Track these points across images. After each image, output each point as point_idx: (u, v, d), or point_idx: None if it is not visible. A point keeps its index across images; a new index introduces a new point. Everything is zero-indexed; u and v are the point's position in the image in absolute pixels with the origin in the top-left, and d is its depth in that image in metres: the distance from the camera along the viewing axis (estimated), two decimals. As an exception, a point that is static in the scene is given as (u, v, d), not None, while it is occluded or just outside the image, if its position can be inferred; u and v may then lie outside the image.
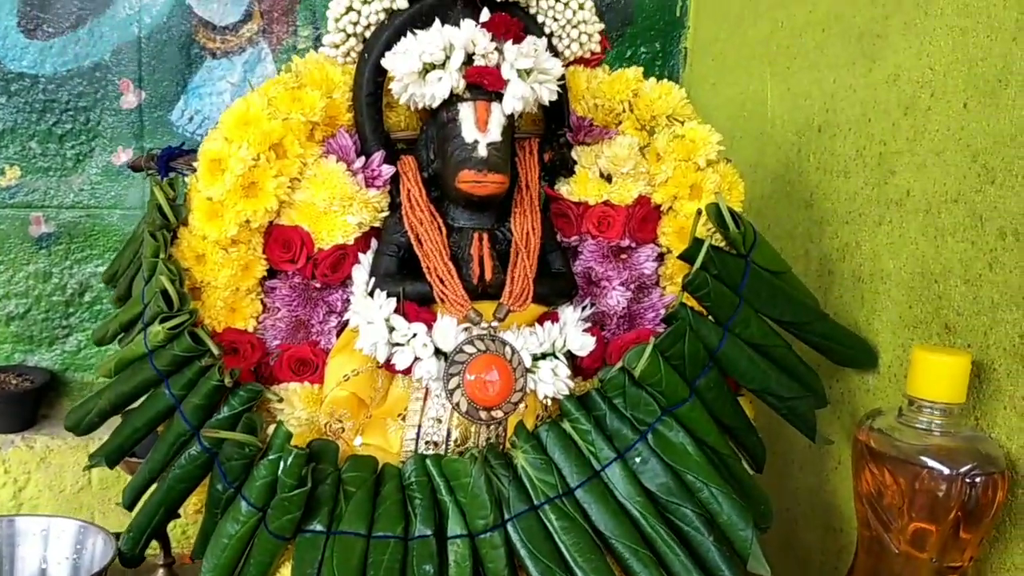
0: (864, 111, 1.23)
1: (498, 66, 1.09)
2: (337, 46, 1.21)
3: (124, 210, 1.77)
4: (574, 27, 1.23)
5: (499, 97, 1.11)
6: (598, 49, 1.27)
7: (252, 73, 1.77)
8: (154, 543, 1.28)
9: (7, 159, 1.72)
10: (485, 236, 1.12)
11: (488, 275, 1.10)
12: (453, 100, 1.11)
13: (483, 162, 1.08)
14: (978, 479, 0.90)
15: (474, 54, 1.09)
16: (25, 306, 1.76)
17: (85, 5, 1.70)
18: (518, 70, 1.09)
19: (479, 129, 1.10)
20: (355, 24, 1.19)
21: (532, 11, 1.20)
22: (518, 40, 1.10)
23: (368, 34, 1.20)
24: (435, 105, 1.11)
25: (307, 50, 1.86)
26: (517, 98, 1.09)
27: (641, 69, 1.27)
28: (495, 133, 1.10)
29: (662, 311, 1.17)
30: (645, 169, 1.22)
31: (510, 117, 1.12)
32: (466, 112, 1.10)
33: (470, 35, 1.07)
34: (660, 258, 1.20)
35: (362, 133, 1.18)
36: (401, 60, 1.09)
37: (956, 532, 0.93)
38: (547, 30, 1.22)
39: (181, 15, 1.73)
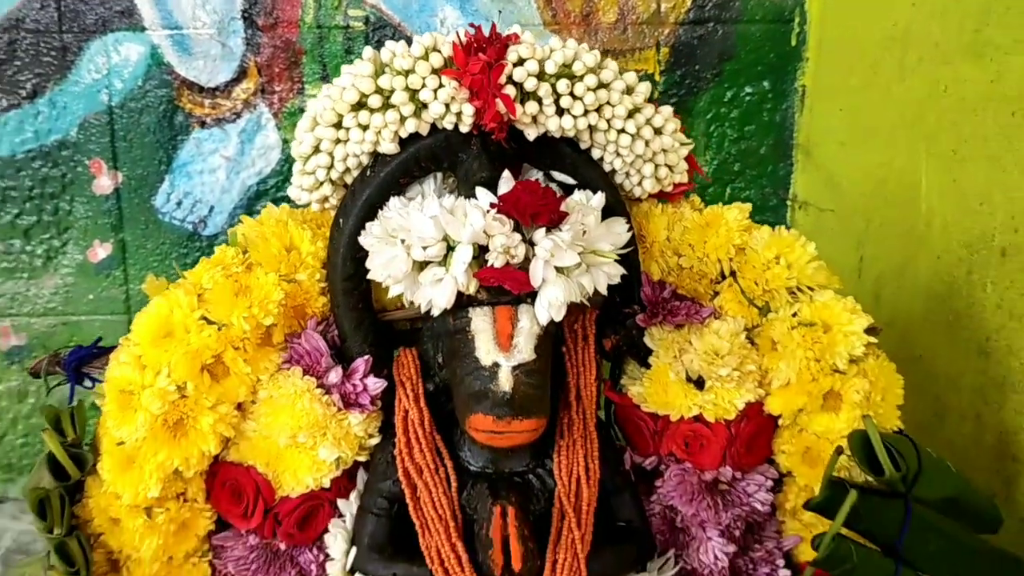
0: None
1: (527, 260, 0.71)
2: (309, 190, 0.85)
3: (105, 316, 1.46)
4: (647, 161, 0.83)
5: (531, 296, 0.73)
6: (684, 179, 0.87)
7: (251, 144, 1.42)
8: None
9: (-38, 261, 1.43)
10: (511, 511, 0.75)
11: (516, 564, 0.75)
12: (462, 302, 0.74)
13: (506, 403, 0.71)
14: None
15: (487, 247, 0.71)
16: (0, 430, 1.49)
17: (43, 69, 1.37)
18: (557, 268, 0.71)
19: (500, 348, 0.73)
20: (328, 169, 0.82)
21: (584, 146, 0.81)
22: (556, 221, 0.71)
23: (349, 179, 0.83)
24: (435, 313, 0.74)
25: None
26: (557, 306, 0.71)
27: (748, 208, 0.87)
28: (525, 351, 0.73)
29: (779, 565, 0.79)
30: (755, 365, 0.83)
31: (549, 325, 0.74)
32: (481, 322, 0.74)
33: (480, 226, 0.69)
34: (776, 485, 0.81)
35: (341, 329, 0.83)
36: (379, 253, 0.72)
37: None
38: (608, 167, 0.83)
39: (160, 76, 1.41)
